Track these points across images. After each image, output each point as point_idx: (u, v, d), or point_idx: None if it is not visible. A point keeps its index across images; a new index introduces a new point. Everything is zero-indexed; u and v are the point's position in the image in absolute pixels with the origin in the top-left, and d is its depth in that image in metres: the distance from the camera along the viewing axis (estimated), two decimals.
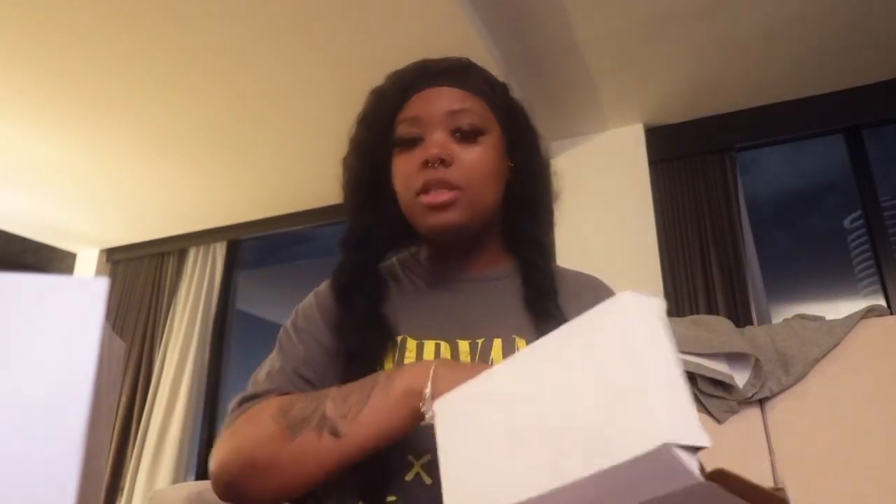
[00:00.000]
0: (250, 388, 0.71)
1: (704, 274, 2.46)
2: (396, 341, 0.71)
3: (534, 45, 2.20)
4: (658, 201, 2.61)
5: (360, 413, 0.58)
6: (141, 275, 3.68)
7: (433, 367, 0.56)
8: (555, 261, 0.84)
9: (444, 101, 0.74)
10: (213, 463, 0.64)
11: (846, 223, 2.78)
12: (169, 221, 3.50)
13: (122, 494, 3.17)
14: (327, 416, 0.59)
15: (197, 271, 3.55)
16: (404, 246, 0.84)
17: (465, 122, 0.73)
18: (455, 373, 0.54)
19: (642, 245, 2.54)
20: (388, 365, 0.69)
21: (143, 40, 2.02)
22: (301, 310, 0.79)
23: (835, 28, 2.15)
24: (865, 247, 2.43)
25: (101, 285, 0.25)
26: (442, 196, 0.70)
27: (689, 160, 2.64)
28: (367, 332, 0.71)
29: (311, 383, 0.70)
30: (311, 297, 0.81)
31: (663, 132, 2.71)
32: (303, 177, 3.04)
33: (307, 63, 2.16)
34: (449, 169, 0.71)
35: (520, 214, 0.79)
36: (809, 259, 2.96)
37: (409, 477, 0.63)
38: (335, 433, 0.58)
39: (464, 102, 0.74)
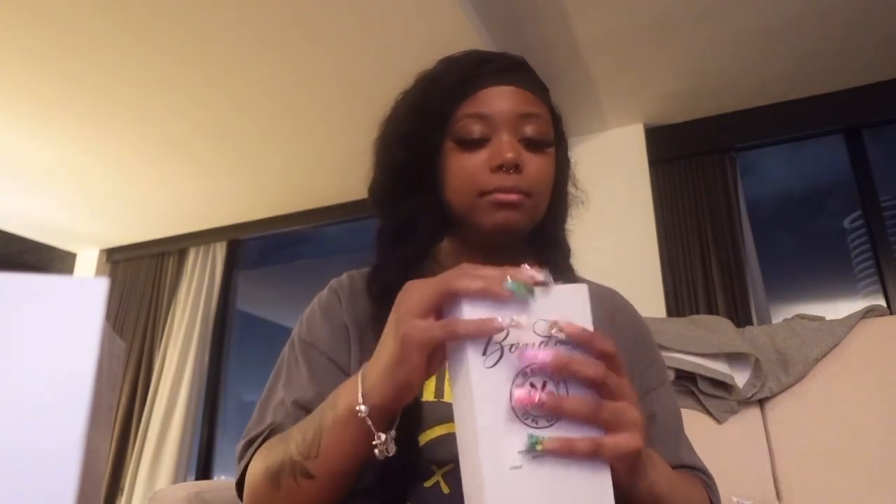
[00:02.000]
0: (254, 426, 0.70)
1: (704, 274, 2.46)
2: None
3: (533, 45, 2.20)
4: (658, 201, 2.61)
5: (321, 448, 0.56)
6: (141, 275, 3.69)
7: (360, 378, 0.53)
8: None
9: (514, 102, 0.71)
10: None
11: (846, 223, 2.78)
12: (169, 221, 3.50)
13: (122, 494, 3.17)
14: (296, 461, 0.58)
15: (197, 271, 3.55)
16: (439, 240, 0.80)
17: (534, 130, 0.71)
18: (374, 372, 0.52)
19: (642, 245, 2.54)
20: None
21: (144, 40, 2.02)
22: (305, 319, 0.77)
23: (835, 28, 2.15)
24: (865, 247, 2.43)
25: (101, 285, 0.25)
26: (514, 196, 0.69)
27: (689, 160, 2.64)
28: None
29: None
30: (314, 301, 0.79)
31: (663, 132, 2.72)
32: (303, 177, 3.05)
33: (308, 63, 2.16)
34: (520, 175, 0.69)
35: (548, 217, 0.78)
36: (809, 259, 2.95)
37: (428, 484, 0.62)
38: (308, 475, 0.57)
39: (534, 107, 0.72)
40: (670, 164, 2.67)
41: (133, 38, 2.01)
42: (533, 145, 0.71)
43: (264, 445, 0.66)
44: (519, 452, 0.44)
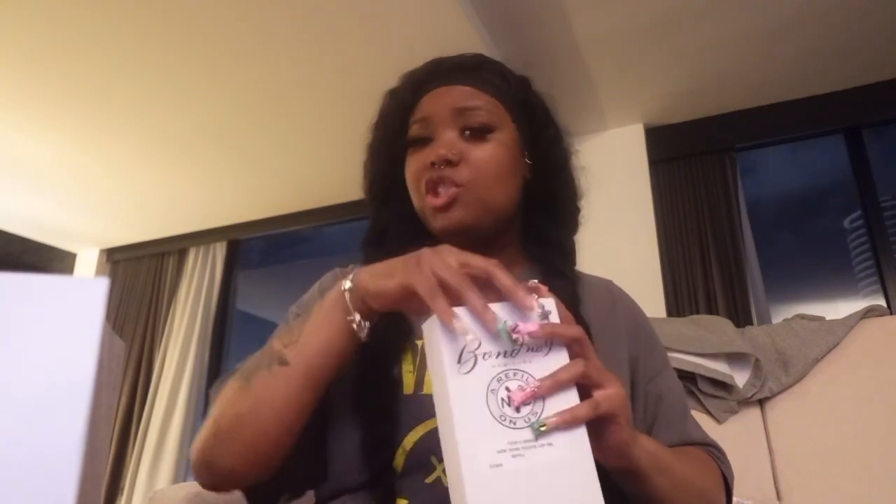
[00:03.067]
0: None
1: (704, 274, 2.46)
2: (417, 345, 0.68)
3: (534, 45, 2.20)
4: (658, 201, 2.61)
5: (303, 334, 0.58)
6: (141, 275, 3.68)
7: (354, 270, 0.58)
8: (575, 263, 0.81)
9: (452, 98, 0.74)
10: (192, 450, 0.62)
11: (846, 223, 2.78)
12: (169, 221, 3.50)
13: (122, 494, 3.17)
14: (275, 350, 0.59)
15: (197, 271, 3.55)
16: (421, 244, 0.82)
17: (473, 120, 0.73)
18: (376, 265, 0.57)
19: (642, 245, 2.54)
20: (407, 366, 0.67)
21: (144, 40, 2.02)
22: (304, 298, 0.79)
23: (835, 28, 2.15)
24: (865, 247, 2.43)
25: (101, 285, 0.25)
26: (441, 198, 0.70)
27: (689, 160, 2.64)
28: (384, 330, 0.68)
29: None
30: (316, 283, 0.81)
31: (663, 132, 2.71)
32: (303, 177, 3.05)
33: (308, 63, 2.16)
34: (456, 168, 0.71)
35: (540, 215, 0.78)
36: (809, 259, 2.96)
37: (429, 479, 0.62)
38: (283, 362, 0.58)
39: (473, 100, 0.74)
40: (670, 164, 2.67)
41: (133, 38, 2.01)
42: (474, 134, 0.73)
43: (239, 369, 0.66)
44: (498, 451, 0.45)
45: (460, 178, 0.70)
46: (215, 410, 0.62)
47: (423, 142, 0.74)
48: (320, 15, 1.91)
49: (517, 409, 0.47)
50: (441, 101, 0.74)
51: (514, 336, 0.48)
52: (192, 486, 1.29)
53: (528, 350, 0.49)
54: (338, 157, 2.78)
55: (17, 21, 1.91)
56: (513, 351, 0.49)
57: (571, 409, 0.48)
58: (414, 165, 0.74)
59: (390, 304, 0.54)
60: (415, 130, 0.75)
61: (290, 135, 2.65)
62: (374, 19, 1.93)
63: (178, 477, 3.16)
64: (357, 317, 0.56)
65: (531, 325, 0.48)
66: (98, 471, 0.78)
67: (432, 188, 0.71)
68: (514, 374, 0.48)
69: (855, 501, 1.55)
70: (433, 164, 0.71)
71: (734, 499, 1.56)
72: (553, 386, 0.48)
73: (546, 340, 0.50)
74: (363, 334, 0.57)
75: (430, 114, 0.74)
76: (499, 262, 0.52)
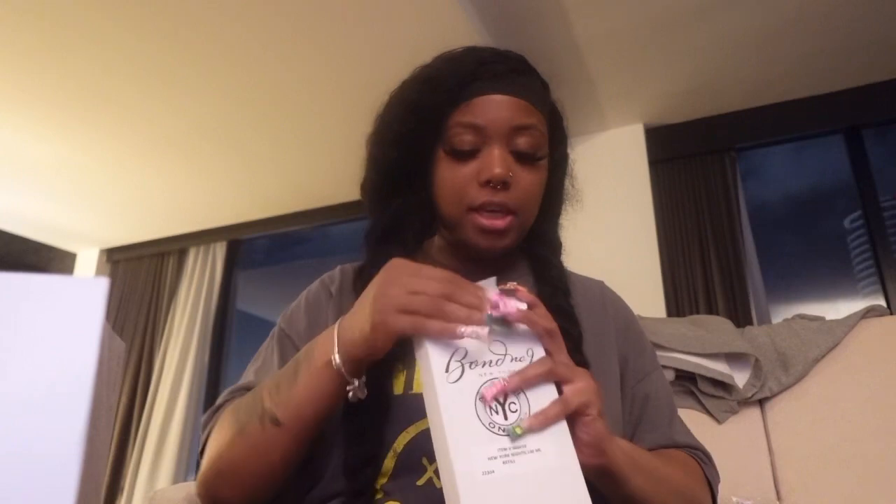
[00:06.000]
0: (221, 397, 0.73)
1: (704, 274, 2.46)
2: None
3: (533, 45, 2.20)
4: (658, 201, 2.61)
5: (291, 397, 0.59)
6: (141, 275, 3.68)
7: (336, 330, 0.58)
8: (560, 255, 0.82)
9: (511, 112, 0.68)
10: (197, 480, 0.67)
11: (846, 223, 2.78)
12: (169, 221, 3.50)
13: (122, 494, 3.17)
14: (266, 408, 0.60)
15: (197, 271, 3.55)
16: (433, 234, 0.79)
17: (527, 143, 0.69)
18: (352, 322, 0.57)
19: (642, 245, 2.54)
20: (396, 368, 0.66)
21: (143, 40, 2.02)
22: (290, 309, 0.78)
23: (835, 28, 2.15)
24: (865, 247, 2.43)
25: (101, 285, 0.25)
26: (500, 222, 0.68)
27: (689, 160, 2.64)
28: None
29: None
30: (303, 293, 0.80)
31: (663, 132, 2.71)
32: (303, 177, 3.05)
33: (308, 62, 2.16)
34: (508, 192, 0.68)
35: (539, 217, 0.77)
36: (809, 259, 2.96)
37: (420, 482, 0.61)
38: (275, 422, 0.59)
39: (529, 118, 0.69)
40: (670, 164, 2.67)
41: (133, 39, 2.01)
42: (525, 158, 0.69)
43: (233, 403, 0.68)
44: (489, 458, 0.47)
45: (512, 203, 0.68)
46: (214, 449, 0.65)
47: (470, 152, 0.69)
48: (320, 15, 1.91)
49: (503, 414, 0.49)
50: (500, 114, 0.68)
51: (493, 313, 0.51)
52: (193, 486, 1.28)
53: (511, 360, 0.52)
54: (338, 157, 2.78)
55: (16, 21, 1.91)
56: (497, 360, 0.51)
57: (543, 410, 0.50)
58: (457, 175, 0.69)
59: (387, 349, 0.56)
60: (461, 136, 0.69)
61: (290, 135, 2.65)
62: (374, 19, 1.93)
63: (178, 477, 3.16)
64: (357, 383, 0.57)
65: (510, 308, 0.51)
66: (98, 471, 0.78)
67: (485, 209, 0.68)
68: (504, 389, 0.50)
69: (855, 501, 1.55)
70: (489, 182, 0.67)
71: (734, 499, 1.56)
72: (521, 382, 0.50)
73: (528, 350, 0.52)
74: (362, 394, 0.58)
75: (487, 124, 0.68)
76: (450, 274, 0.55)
